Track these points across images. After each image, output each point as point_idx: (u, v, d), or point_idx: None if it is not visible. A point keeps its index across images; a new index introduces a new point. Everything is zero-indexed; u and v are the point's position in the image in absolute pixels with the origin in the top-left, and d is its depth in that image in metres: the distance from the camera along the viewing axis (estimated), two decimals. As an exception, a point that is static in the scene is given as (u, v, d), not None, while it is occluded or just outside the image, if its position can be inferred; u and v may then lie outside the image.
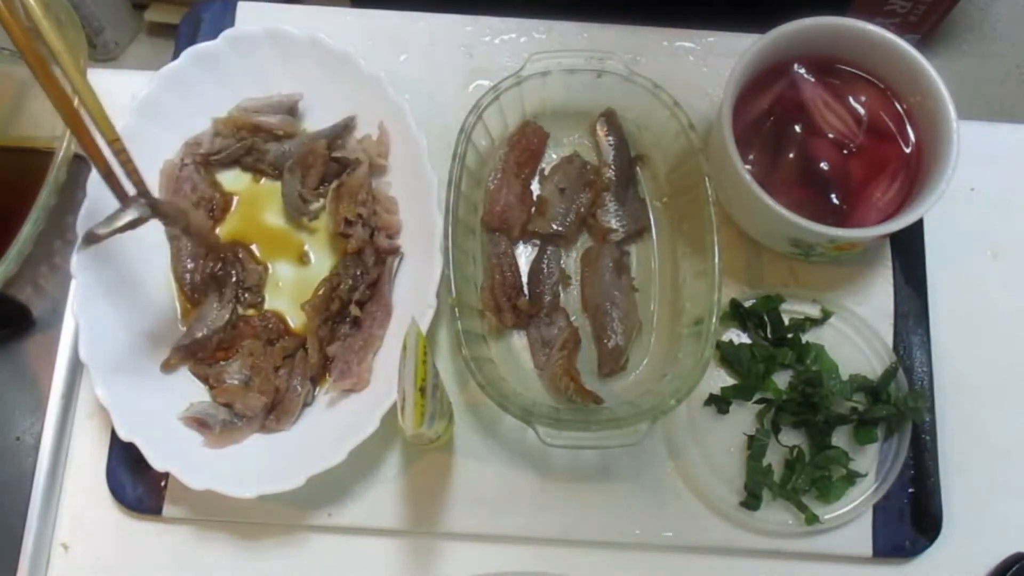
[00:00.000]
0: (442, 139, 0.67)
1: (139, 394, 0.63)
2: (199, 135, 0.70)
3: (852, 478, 0.65)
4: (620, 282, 0.67)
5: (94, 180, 0.65)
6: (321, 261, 0.69)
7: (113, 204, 0.65)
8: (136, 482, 0.64)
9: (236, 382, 0.65)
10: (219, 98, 0.70)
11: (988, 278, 0.72)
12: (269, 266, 0.69)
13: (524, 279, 0.68)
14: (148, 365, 0.65)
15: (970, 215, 0.73)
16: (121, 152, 0.57)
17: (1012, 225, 0.74)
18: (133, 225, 0.57)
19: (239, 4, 0.75)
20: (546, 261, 0.69)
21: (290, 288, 0.69)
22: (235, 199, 0.71)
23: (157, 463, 0.60)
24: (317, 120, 0.71)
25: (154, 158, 0.69)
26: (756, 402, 0.67)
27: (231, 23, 0.74)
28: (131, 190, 0.58)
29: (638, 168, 0.71)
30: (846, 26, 0.65)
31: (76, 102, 0.56)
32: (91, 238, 0.57)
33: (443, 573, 0.64)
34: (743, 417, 0.67)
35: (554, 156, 0.72)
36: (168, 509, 0.64)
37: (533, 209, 0.70)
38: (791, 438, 0.66)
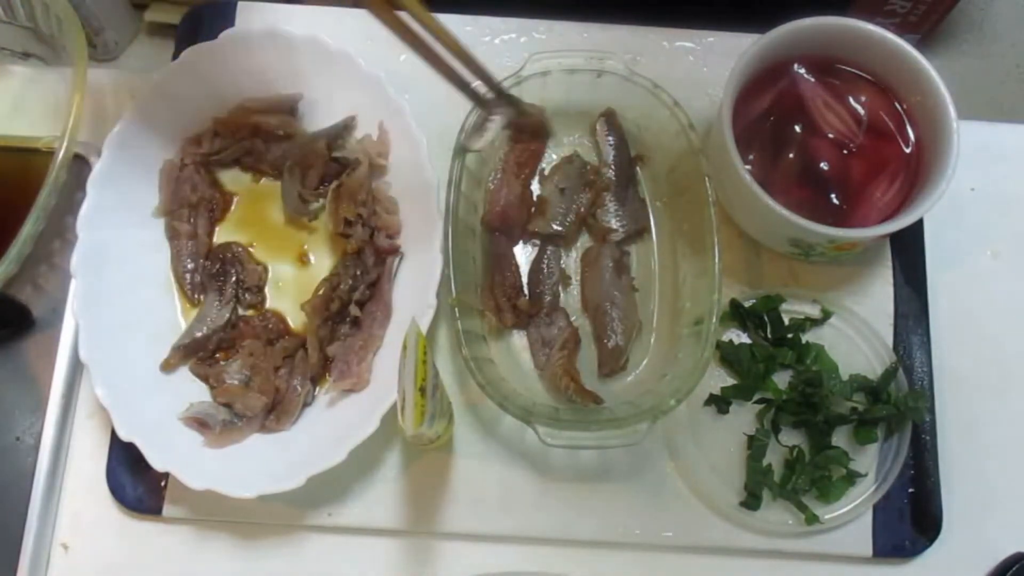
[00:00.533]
0: (442, 139, 0.67)
1: (139, 394, 0.63)
2: (199, 135, 0.70)
3: (852, 478, 0.65)
4: (620, 282, 0.67)
5: (94, 180, 0.65)
6: (321, 261, 0.69)
7: (113, 204, 0.66)
8: (136, 482, 0.64)
9: (236, 382, 0.65)
10: (219, 98, 0.70)
11: (988, 278, 0.72)
12: (269, 266, 0.69)
13: (524, 279, 0.68)
14: (148, 365, 0.65)
15: (970, 215, 0.73)
16: (469, 60, 0.57)
17: (1012, 225, 0.73)
18: (505, 128, 0.60)
19: (239, 4, 0.75)
20: (546, 261, 0.69)
21: (290, 288, 0.69)
22: (235, 199, 0.71)
23: (157, 463, 0.60)
24: (317, 120, 0.71)
25: (154, 158, 0.69)
26: (756, 402, 0.67)
27: (231, 23, 0.74)
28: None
29: (638, 168, 0.71)
30: (846, 26, 0.65)
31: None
32: (466, 152, 0.59)
33: (443, 573, 0.64)
34: (743, 417, 0.67)
35: (554, 156, 0.72)
36: (168, 509, 0.64)
37: (533, 209, 0.70)
38: (791, 438, 0.66)
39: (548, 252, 0.69)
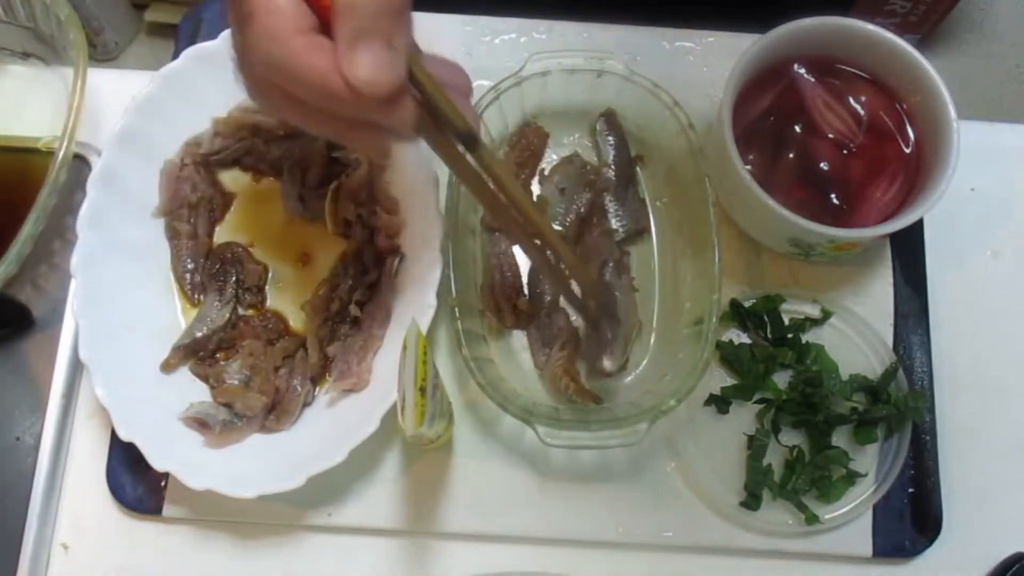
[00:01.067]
0: (442, 139, 0.67)
1: (139, 394, 0.63)
2: (199, 135, 0.70)
3: (852, 478, 0.65)
4: (620, 282, 0.67)
5: (94, 180, 0.65)
6: (321, 261, 0.69)
7: (113, 204, 0.66)
8: (136, 482, 0.64)
9: (236, 382, 0.65)
10: (219, 98, 0.70)
11: (988, 278, 0.72)
12: (269, 266, 0.69)
13: (524, 279, 0.68)
14: (148, 365, 0.65)
15: (970, 215, 0.73)
16: (555, 243, 0.57)
17: (1012, 225, 0.73)
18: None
19: (239, 4, 0.75)
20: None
21: (290, 288, 0.69)
22: (235, 199, 0.71)
23: (157, 463, 0.60)
24: (317, 120, 0.71)
25: (154, 158, 0.69)
26: (756, 402, 0.67)
27: (231, 23, 0.74)
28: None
29: (638, 168, 0.71)
30: (846, 26, 0.65)
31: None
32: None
33: (443, 573, 0.64)
34: (743, 417, 0.67)
35: (554, 156, 0.72)
36: (168, 509, 0.64)
37: (533, 209, 0.70)
38: (791, 438, 0.66)
39: (548, 252, 0.69)
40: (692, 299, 0.65)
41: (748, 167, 0.62)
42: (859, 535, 0.64)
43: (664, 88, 0.66)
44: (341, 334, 0.66)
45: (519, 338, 0.68)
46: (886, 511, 0.65)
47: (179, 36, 0.74)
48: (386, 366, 0.64)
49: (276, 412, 0.64)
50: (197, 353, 0.66)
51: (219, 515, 0.64)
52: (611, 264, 0.67)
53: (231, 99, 0.71)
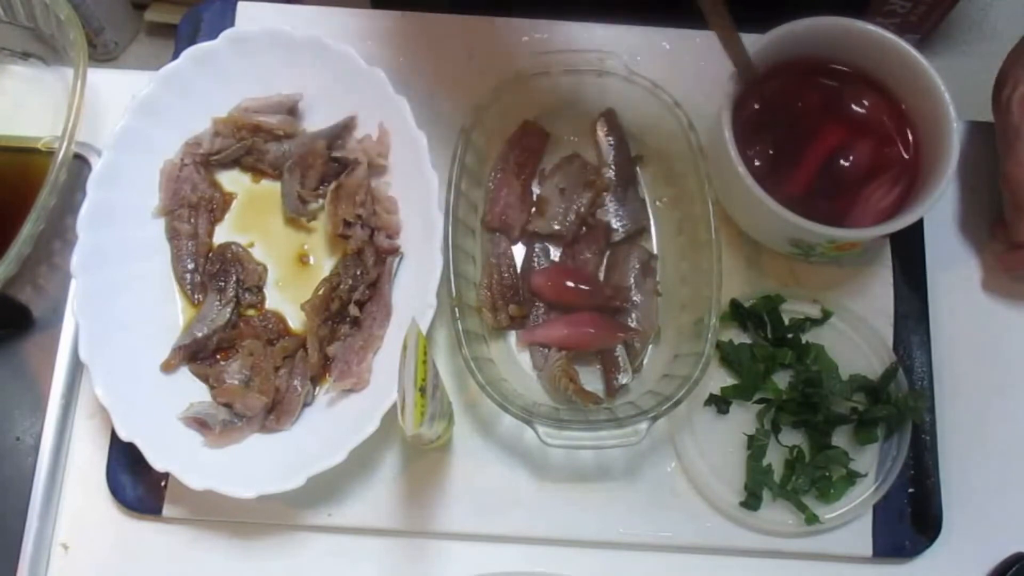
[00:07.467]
0: (442, 139, 0.67)
1: (139, 394, 0.63)
2: (199, 135, 0.70)
3: (852, 478, 0.65)
4: (645, 284, 0.67)
5: (94, 180, 0.65)
6: (321, 261, 0.69)
7: (113, 204, 0.66)
8: (136, 482, 0.64)
9: (236, 382, 0.65)
10: (219, 98, 0.70)
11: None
12: (269, 266, 0.69)
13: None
14: (148, 365, 0.65)
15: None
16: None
17: (1012, 225, 0.73)
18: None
19: (239, 4, 0.75)
20: (536, 259, 0.68)
21: (290, 288, 0.69)
22: (235, 199, 0.71)
23: (157, 463, 0.60)
24: (317, 120, 0.71)
25: (154, 158, 0.69)
26: (756, 402, 0.67)
27: (231, 23, 0.74)
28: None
29: (638, 168, 0.71)
30: (845, 26, 0.65)
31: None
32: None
33: (443, 573, 0.64)
34: (743, 417, 0.67)
35: (554, 156, 0.72)
36: (168, 509, 0.64)
37: (533, 209, 0.70)
38: (791, 438, 0.66)
39: (536, 249, 0.69)
40: (692, 299, 0.65)
41: (748, 167, 0.62)
42: (859, 535, 0.64)
43: (664, 88, 0.66)
44: (341, 334, 0.66)
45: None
46: (886, 511, 0.65)
47: (179, 36, 0.75)
48: (386, 366, 0.64)
49: (276, 412, 0.64)
50: (197, 353, 0.66)
51: (219, 515, 0.64)
52: (638, 266, 0.67)
53: (231, 99, 0.71)
